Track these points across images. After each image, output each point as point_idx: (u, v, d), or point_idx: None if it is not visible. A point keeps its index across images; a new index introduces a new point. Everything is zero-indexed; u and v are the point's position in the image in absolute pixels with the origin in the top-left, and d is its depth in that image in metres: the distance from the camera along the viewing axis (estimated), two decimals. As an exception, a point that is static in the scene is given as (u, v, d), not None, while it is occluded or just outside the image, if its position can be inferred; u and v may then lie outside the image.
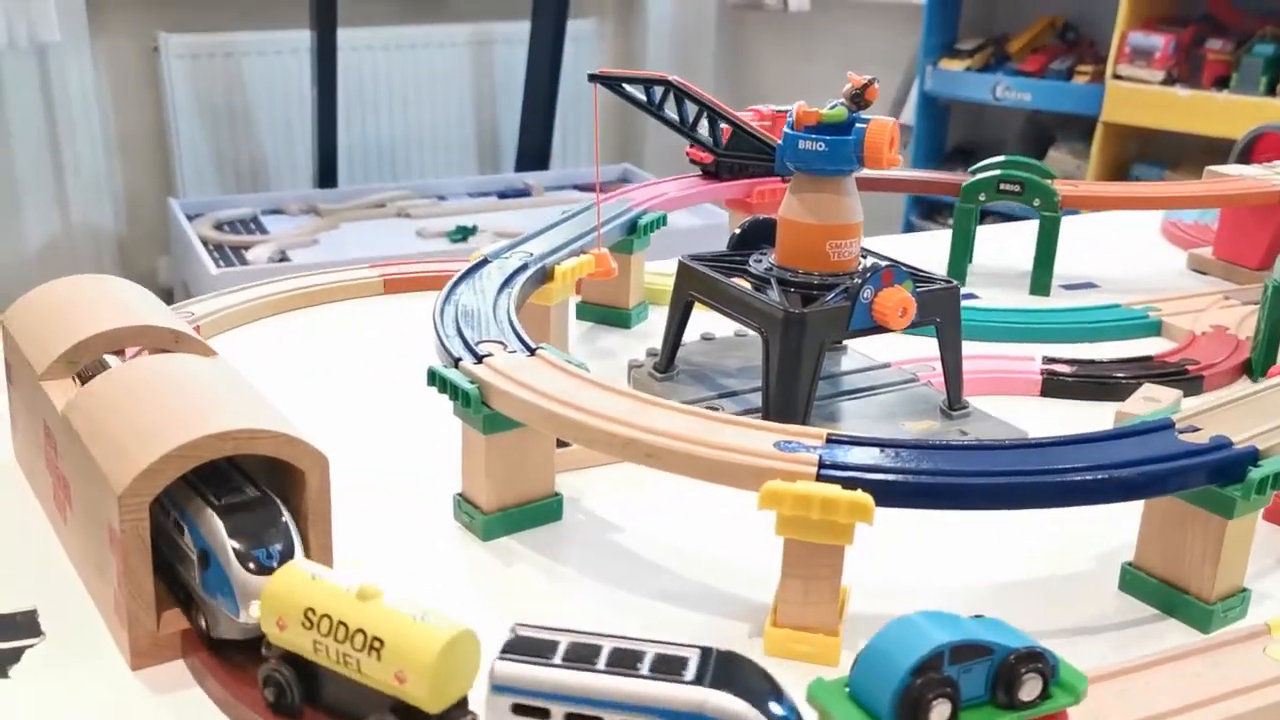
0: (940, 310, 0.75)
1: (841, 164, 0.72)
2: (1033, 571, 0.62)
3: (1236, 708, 0.49)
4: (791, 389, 0.70)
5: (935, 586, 0.61)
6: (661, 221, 0.94)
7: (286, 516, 0.50)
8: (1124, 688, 0.49)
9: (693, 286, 0.78)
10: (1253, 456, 0.54)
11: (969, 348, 0.89)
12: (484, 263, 0.78)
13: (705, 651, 0.42)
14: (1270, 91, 2.55)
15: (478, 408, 0.60)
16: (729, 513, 0.63)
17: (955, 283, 0.75)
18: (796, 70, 3.66)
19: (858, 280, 0.71)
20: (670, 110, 0.82)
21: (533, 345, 0.65)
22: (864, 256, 0.76)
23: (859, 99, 0.72)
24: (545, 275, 0.78)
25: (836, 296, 0.71)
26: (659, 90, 0.79)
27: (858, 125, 0.72)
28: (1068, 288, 1.09)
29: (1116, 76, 2.70)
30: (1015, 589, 0.61)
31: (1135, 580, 0.59)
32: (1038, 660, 0.43)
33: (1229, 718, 0.48)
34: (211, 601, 0.49)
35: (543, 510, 0.65)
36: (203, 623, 0.51)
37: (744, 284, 0.76)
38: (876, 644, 0.43)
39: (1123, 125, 2.71)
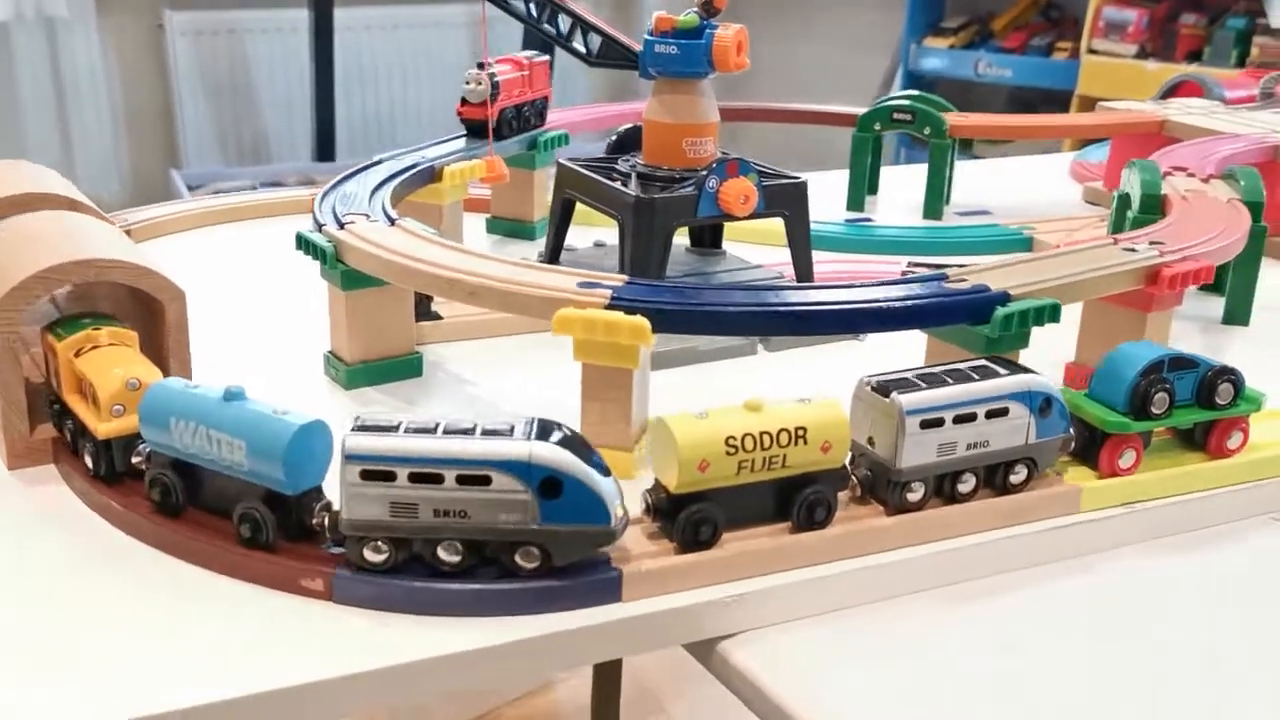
0: (787, 203, 0.82)
1: (694, 67, 0.79)
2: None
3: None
4: (643, 269, 0.77)
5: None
6: (563, 140, 1.01)
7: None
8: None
9: (569, 185, 0.85)
10: (1002, 299, 0.61)
11: (842, 257, 0.96)
12: (378, 162, 0.85)
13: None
14: (1241, 64, 2.59)
15: (333, 264, 0.67)
16: (567, 376, 0.70)
17: (803, 178, 0.82)
18: (790, 52, 3.71)
19: (704, 172, 0.78)
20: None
21: (395, 218, 0.72)
22: (725, 155, 0.83)
23: (709, 6, 0.78)
24: (434, 175, 0.85)
25: (686, 186, 0.78)
26: (534, 5, 0.86)
27: (708, 31, 0.79)
28: (962, 214, 1.16)
29: (1091, 51, 2.75)
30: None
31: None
32: (1231, 374, 0.59)
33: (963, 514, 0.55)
34: (560, 529, 0.48)
35: (403, 366, 0.72)
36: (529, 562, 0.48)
37: (614, 182, 0.83)
38: (1110, 359, 0.59)
39: (1097, 99, 2.76)
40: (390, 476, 0.47)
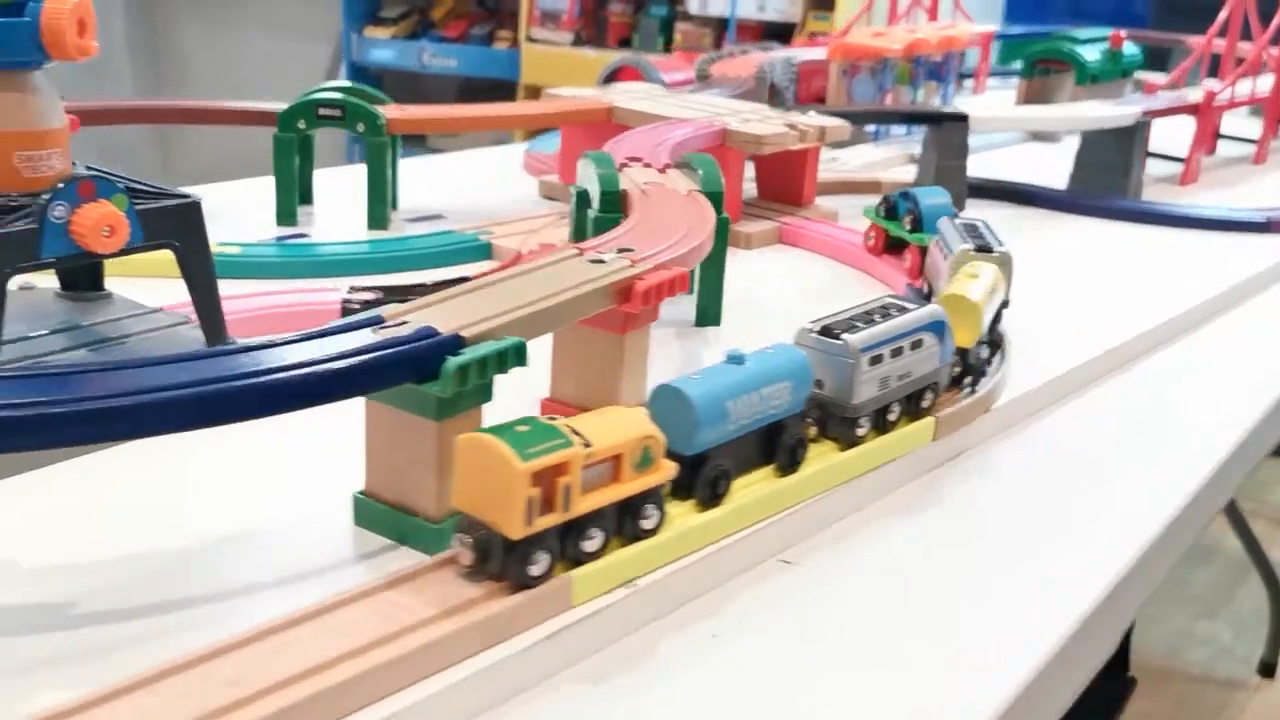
0: (175, 230, 0.62)
1: (17, 54, 0.58)
2: (259, 518, 0.52)
3: (431, 635, 0.41)
4: (-35, 338, 0.55)
5: (138, 552, 0.49)
6: None
7: None
8: (288, 639, 0.40)
9: None
10: (454, 345, 0.47)
11: (276, 285, 0.79)
12: None
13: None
14: (668, 49, 2.71)
15: None
16: None
17: (194, 197, 0.63)
18: (228, 42, 3.41)
19: (47, 197, 0.57)
20: None
21: None
22: (78, 172, 0.63)
23: (26, -29, 0.57)
24: None
25: (20, 218, 0.57)
26: None
27: (33, 5, 0.57)
28: (412, 220, 1.02)
29: (530, 39, 2.75)
30: (231, 539, 0.51)
31: (367, 510, 0.51)
32: None
33: (419, 647, 0.40)
34: (942, 367, 0.61)
35: None
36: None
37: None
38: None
39: (542, 87, 2.77)
40: (880, 359, 0.56)
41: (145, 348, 0.67)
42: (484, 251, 0.92)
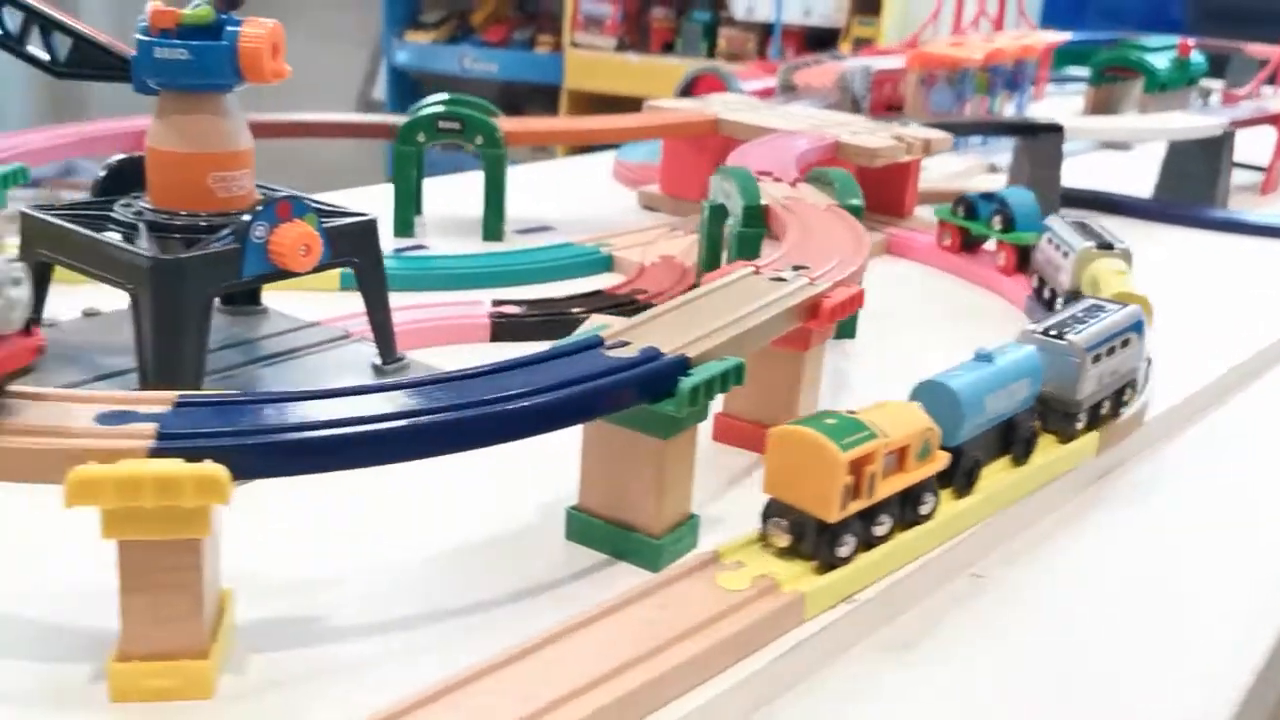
0: (357, 248, 0.64)
1: (215, 77, 0.59)
2: (474, 532, 0.54)
3: (691, 649, 0.42)
4: (173, 357, 0.57)
5: (368, 566, 0.51)
6: (20, 176, 0.76)
7: None
8: (562, 652, 0.41)
9: (42, 245, 0.62)
10: (683, 366, 0.49)
11: (414, 299, 0.80)
12: None
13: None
14: (711, 55, 2.72)
15: None
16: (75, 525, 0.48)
17: (371, 216, 0.65)
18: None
19: (248, 218, 0.59)
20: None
21: None
22: (272, 192, 0.64)
23: (231, -6, 0.59)
24: None
25: (223, 238, 0.58)
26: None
27: (230, 29, 0.59)
28: (522, 232, 1.04)
29: (574, 45, 2.76)
30: (455, 554, 0.52)
31: (581, 525, 0.52)
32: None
33: (683, 661, 0.42)
34: (1140, 365, 0.65)
35: None
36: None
37: (114, 236, 0.61)
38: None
39: (584, 92, 2.78)
40: (1100, 358, 0.59)
41: (318, 364, 0.68)
42: (605, 264, 0.93)
